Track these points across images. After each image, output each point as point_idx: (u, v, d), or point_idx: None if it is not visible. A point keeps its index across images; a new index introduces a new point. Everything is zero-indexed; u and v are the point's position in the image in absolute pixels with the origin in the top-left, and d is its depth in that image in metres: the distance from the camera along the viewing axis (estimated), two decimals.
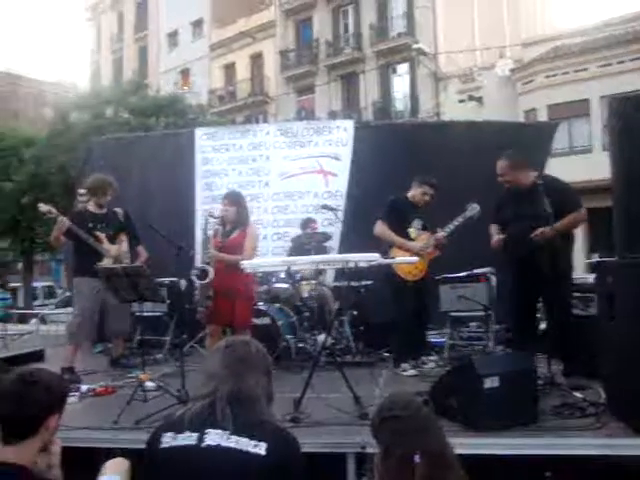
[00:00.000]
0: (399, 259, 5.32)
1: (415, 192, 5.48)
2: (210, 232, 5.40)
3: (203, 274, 4.97)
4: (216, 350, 2.16)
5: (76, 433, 3.69)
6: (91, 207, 5.82)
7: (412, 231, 5.39)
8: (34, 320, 13.07)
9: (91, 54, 37.26)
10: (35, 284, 26.54)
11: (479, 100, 20.83)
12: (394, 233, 5.37)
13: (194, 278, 5.03)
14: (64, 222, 5.43)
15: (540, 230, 4.40)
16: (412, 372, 5.26)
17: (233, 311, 5.14)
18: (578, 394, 4.07)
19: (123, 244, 5.85)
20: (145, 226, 5.18)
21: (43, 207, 5.57)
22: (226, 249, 5.23)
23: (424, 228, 5.45)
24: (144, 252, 5.99)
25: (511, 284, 5.01)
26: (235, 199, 5.42)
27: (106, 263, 5.49)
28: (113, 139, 10.11)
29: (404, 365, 5.31)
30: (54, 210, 5.54)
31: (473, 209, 5.26)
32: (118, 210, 5.94)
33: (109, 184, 5.84)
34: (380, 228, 5.42)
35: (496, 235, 4.88)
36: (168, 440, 1.94)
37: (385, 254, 5.26)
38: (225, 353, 2.09)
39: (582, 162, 16.40)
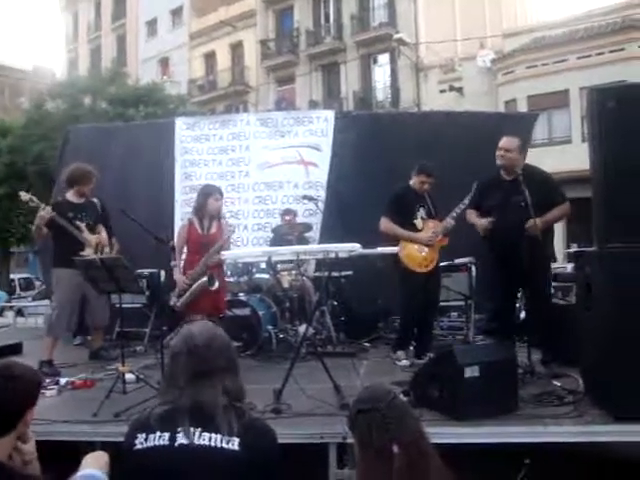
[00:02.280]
0: (380, 249, 5.31)
1: (414, 181, 5.39)
2: (182, 222, 5.44)
3: (211, 280, 5.12)
4: (177, 354, 2.01)
5: (55, 427, 3.67)
6: (70, 197, 5.73)
7: (418, 222, 5.28)
8: (11, 312, 12.94)
9: (68, 42, 36.62)
10: (12, 276, 26.20)
11: (460, 90, 20.90)
12: (400, 226, 5.27)
13: (208, 285, 5.13)
14: (47, 211, 5.35)
15: (532, 221, 4.42)
16: (405, 362, 5.22)
17: (216, 303, 5.31)
18: (557, 382, 4.12)
19: (102, 234, 5.79)
20: (124, 217, 5.11)
21: (24, 196, 5.49)
22: (210, 242, 5.33)
23: (430, 215, 5.35)
24: (117, 243, 5.93)
25: (492, 271, 5.04)
26: (221, 193, 5.59)
27: (87, 253, 5.43)
28: (91, 128, 10.01)
29: (400, 353, 5.28)
30: (35, 199, 5.46)
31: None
32: (95, 200, 5.87)
33: (92, 173, 5.76)
34: (385, 224, 5.32)
35: (483, 219, 4.84)
36: (141, 441, 1.91)
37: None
38: (187, 361, 1.97)
39: (561, 153, 16.54)
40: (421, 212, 5.33)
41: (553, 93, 18.56)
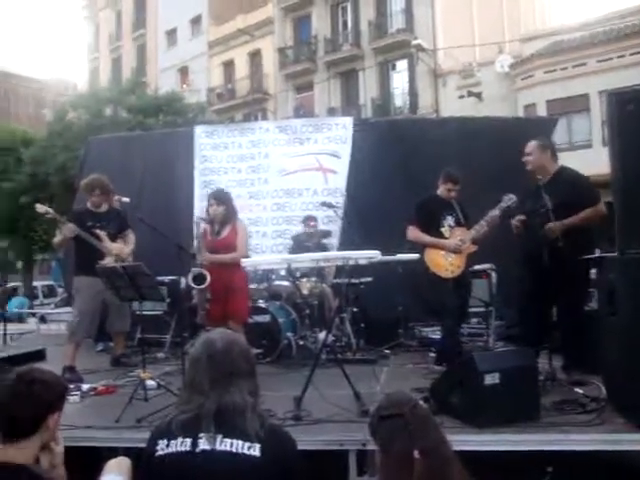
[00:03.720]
0: (399, 256, 5.30)
1: (441, 189, 5.36)
2: (195, 232, 5.39)
3: (200, 279, 4.96)
4: (197, 360, 2.04)
5: (78, 432, 3.70)
6: (90, 206, 5.81)
7: (445, 230, 5.24)
8: (34, 319, 13.09)
9: (89, 53, 37.16)
10: (35, 283, 26.55)
11: (478, 96, 20.79)
12: (426, 234, 5.24)
13: (191, 284, 5.02)
14: (70, 229, 5.43)
15: (550, 224, 4.39)
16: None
17: (231, 308, 5.18)
18: (579, 390, 4.07)
19: (130, 244, 5.85)
20: (144, 225, 5.17)
21: (40, 208, 5.57)
22: (217, 247, 5.25)
23: (458, 223, 5.31)
24: (132, 234, 5.96)
25: (515, 277, 5.01)
26: (222, 198, 5.43)
27: (108, 261, 5.50)
28: (112, 138, 10.13)
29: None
30: (51, 210, 5.55)
31: (510, 199, 5.03)
32: (116, 204, 5.94)
33: (94, 185, 5.77)
34: (412, 233, 5.30)
35: (516, 220, 4.80)
36: (162, 447, 1.93)
37: (421, 257, 5.21)
38: (208, 366, 1.99)
39: (582, 157, 16.33)
40: (448, 220, 5.29)
41: (573, 97, 18.41)
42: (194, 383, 2.01)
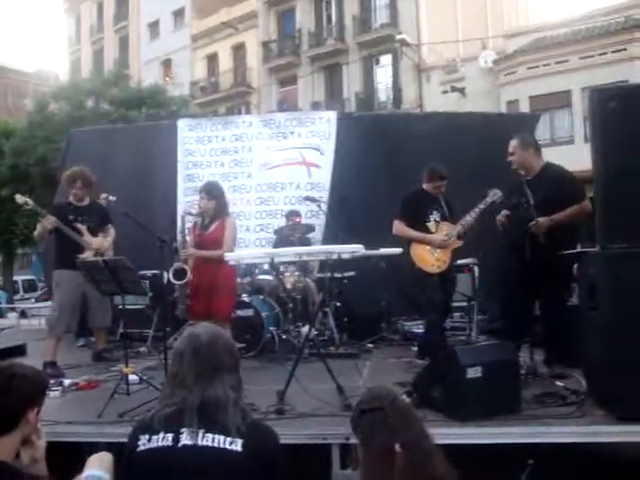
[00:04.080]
0: (383, 250, 5.30)
1: (427, 185, 5.35)
2: (189, 225, 5.33)
3: (180, 274, 4.92)
4: (182, 354, 2.03)
5: (60, 428, 3.67)
6: (72, 199, 5.76)
7: (431, 225, 5.25)
8: (13, 314, 12.97)
9: (70, 44, 36.70)
10: (15, 278, 26.27)
11: (462, 91, 20.87)
12: (412, 229, 5.24)
13: (172, 279, 4.97)
14: (50, 221, 5.37)
15: (535, 220, 4.42)
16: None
17: (212, 305, 5.10)
18: (560, 383, 4.12)
19: (108, 237, 5.81)
20: (126, 218, 5.13)
21: (20, 199, 5.51)
22: (205, 242, 5.18)
23: (444, 218, 5.30)
24: (112, 228, 5.94)
25: (498, 271, 5.04)
26: (213, 192, 5.33)
27: (87, 255, 5.46)
28: (94, 130, 10.04)
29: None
30: (31, 201, 5.50)
31: (495, 194, 5.04)
32: (103, 202, 5.90)
33: (75, 177, 5.73)
34: (398, 227, 5.30)
35: (501, 215, 4.84)
36: (144, 442, 1.93)
37: (406, 252, 5.21)
38: (193, 360, 1.99)
39: (564, 153, 16.44)
40: (434, 215, 5.29)
41: (555, 94, 18.54)
42: (178, 377, 2.00)
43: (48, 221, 5.38)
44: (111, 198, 5.71)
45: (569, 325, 4.49)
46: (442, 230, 5.22)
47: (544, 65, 18.94)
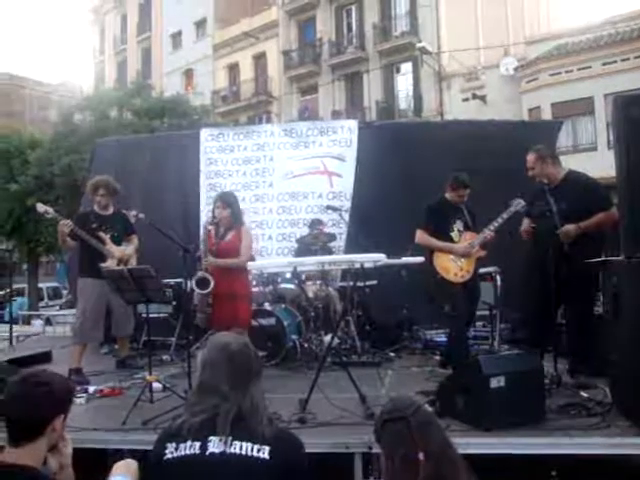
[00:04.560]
0: (405, 259, 5.30)
1: (450, 194, 5.34)
2: (202, 236, 5.33)
3: (204, 283, 4.95)
4: (213, 362, 2.05)
5: (84, 434, 3.72)
6: (96, 208, 5.84)
7: (454, 234, 5.24)
8: (40, 321, 13.15)
9: (95, 56, 37.29)
10: (40, 285, 26.61)
11: (483, 98, 20.79)
12: (436, 239, 5.23)
13: (195, 287, 5.00)
14: (65, 224, 5.45)
15: (563, 229, 4.39)
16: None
17: (234, 313, 5.12)
18: (584, 393, 4.07)
19: (131, 246, 5.88)
20: (151, 227, 5.19)
21: (40, 207, 5.60)
22: (221, 251, 5.18)
23: (467, 227, 5.30)
24: (135, 238, 6.02)
25: (522, 280, 5.01)
26: (229, 200, 5.36)
27: (109, 264, 5.52)
28: (118, 140, 10.14)
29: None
30: (51, 210, 5.59)
31: (518, 204, 5.04)
32: (132, 219, 5.98)
33: (98, 185, 5.82)
34: (420, 237, 5.30)
35: (525, 225, 4.86)
36: (171, 450, 1.94)
37: (429, 261, 5.22)
38: (228, 368, 2.01)
39: (587, 160, 16.32)
40: (457, 224, 5.28)
41: (577, 100, 18.39)
42: (211, 385, 2.02)
43: (63, 224, 5.44)
44: (141, 216, 5.79)
45: (593, 335, 4.45)
46: (465, 240, 5.21)
47: (566, 72, 18.81)
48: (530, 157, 4.89)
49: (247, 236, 5.37)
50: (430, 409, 3.25)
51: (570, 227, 4.43)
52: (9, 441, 2.00)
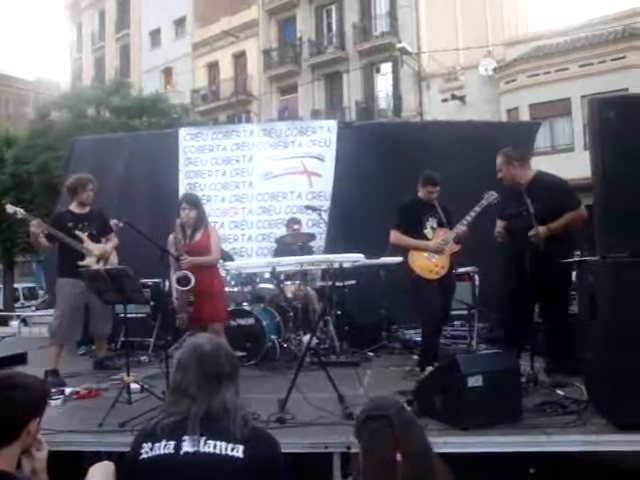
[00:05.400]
0: (383, 259, 5.32)
1: (421, 191, 5.39)
2: (170, 237, 5.29)
3: (185, 281, 4.92)
4: (185, 363, 2.06)
5: (61, 437, 3.68)
6: (73, 207, 5.77)
7: (428, 232, 5.28)
8: (15, 322, 12.97)
9: (72, 52, 36.83)
10: (16, 285, 26.28)
11: (462, 99, 20.95)
12: (410, 237, 5.26)
13: (176, 286, 4.97)
14: (35, 224, 5.36)
15: (535, 229, 4.44)
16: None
17: (213, 310, 5.15)
18: (560, 392, 4.12)
19: (109, 243, 5.82)
20: (128, 227, 5.14)
21: (10, 208, 5.51)
22: (193, 252, 5.13)
23: (440, 224, 5.33)
24: (115, 238, 5.96)
25: (499, 279, 5.06)
26: (195, 201, 5.36)
27: (88, 262, 5.47)
28: (95, 139, 10.04)
29: (429, 369, 4.93)
30: (20, 210, 5.50)
31: (490, 196, 5.09)
32: (113, 226, 5.94)
33: (87, 179, 5.79)
34: (394, 236, 5.33)
35: (499, 227, 4.91)
36: (146, 450, 1.95)
37: (405, 260, 5.24)
38: (197, 369, 2.02)
39: (564, 161, 16.52)
40: (431, 222, 5.32)
41: (555, 101, 18.59)
42: (181, 386, 2.02)
43: (33, 224, 5.36)
44: (120, 225, 5.76)
45: (569, 333, 4.51)
46: (439, 236, 5.25)
47: (544, 73, 19.01)
48: (498, 160, 4.93)
49: (215, 234, 5.43)
50: (408, 408, 3.26)
51: (541, 228, 4.47)
52: None
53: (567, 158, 16.99)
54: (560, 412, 3.74)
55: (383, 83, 23.99)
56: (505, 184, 4.93)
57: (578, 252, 4.91)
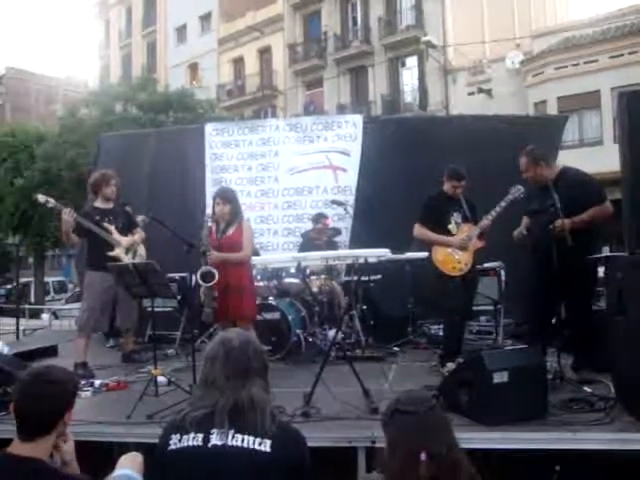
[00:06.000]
0: (409, 254, 5.30)
1: (446, 186, 5.33)
2: (204, 231, 5.33)
3: (209, 276, 4.96)
4: (214, 357, 2.08)
5: (90, 427, 3.76)
6: (98, 203, 5.85)
7: (452, 227, 5.23)
8: (46, 315, 13.23)
9: (100, 50, 37.31)
10: (46, 279, 26.76)
11: (488, 92, 20.72)
12: (434, 232, 5.22)
13: (199, 281, 5.02)
14: (68, 212, 5.41)
15: (558, 222, 4.38)
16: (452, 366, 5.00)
17: (241, 307, 5.13)
18: (587, 388, 4.07)
19: (137, 235, 5.90)
20: (156, 222, 5.21)
21: (41, 197, 5.60)
22: (224, 247, 5.14)
23: (465, 219, 5.28)
24: (141, 231, 6.05)
25: (526, 275, 5.01)
26: (228, 196, 5.33)
27: (117, 252, 5.56)
28: (122, 135, 10.18)
29: (450, 365, 4.94)
30: (52, 200, 5.57)
31: (517, 191, 5.01)
32: (140, 223, 6.02)
33: (110, 175, 5.87)
34: (418, 230, 5.29)
35: (517, 230, 4.85)
36: (175, 442, 1.97)
37: (429, 255, 5.22)
38: (225, 363, 2.04)
39: (593, 154, 16.27)
40: (455, 217, 5.26)
41: (584, 94, 18.26)
42: (210, 380, 2.05)
43: (65, 212, 5.42)
44: (147, 220, 5.86)
45: (597, 329, 4.45)
46: (463, 232, 5.20)
47: (573, 65, 18.69)
48: (522, 160, 4.82)
49: (248, 230, 5.37)
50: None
51: (563, 222, 4.40)
52: (19, 435, 2.03)
53: (596, 151, 16.73)
54: (587, 409, 3.70)
55: (409, 77, 23.85)
56: (531, 183, 4.86)
57: (607, 248, 4.85)
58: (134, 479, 2.10)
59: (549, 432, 3.40)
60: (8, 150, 21.96)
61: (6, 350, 5.32)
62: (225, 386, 2.00)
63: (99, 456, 3.11)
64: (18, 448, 2.02)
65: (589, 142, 18.26)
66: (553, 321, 4.86)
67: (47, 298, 24.78)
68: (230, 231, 5.24)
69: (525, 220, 4.91)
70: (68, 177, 18.77)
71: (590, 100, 18.30)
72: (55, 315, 11.90)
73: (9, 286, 21.26)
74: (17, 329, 8.49)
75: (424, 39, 21.14)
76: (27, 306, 16.87)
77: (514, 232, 4.86)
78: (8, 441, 2.08)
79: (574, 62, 18.68)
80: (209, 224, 5.25)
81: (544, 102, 19.01)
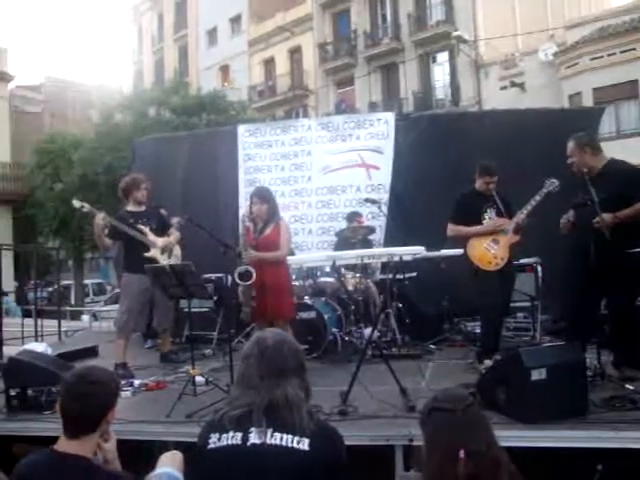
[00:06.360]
0: (444, 251, 5.26)
1: (478, 182, 5.28)
2: (241, 230, 5.37)
3: (246, 275, 5.00)
4: (249, 356, 2.10)
5: (131, 427, 3.83)
6: (130, 207, 5.95)
7: (486, 223, 5.20)
8: (86, 316, 13.50)
9: (133, 56, 37.91)
10: (85, 281, 27.32)
11: (521, 86, 20.41)
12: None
13: (237, 281, 5.05)
14: (101, 217, 5.49)
15: (600, 217, 4.30)
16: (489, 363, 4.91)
17: (279, 306, 5.16)
18: (630, 386, 3.99)
19: (172, 236, 5.98)
20: (192, 224, 5.27)
21: (76, 202, 5.72)
22: (261, 246, 5.19)
23: (499, 215, 5.21)
24: (176, 232, 6.14)
25: (564, 270, 4.93)
26: (265, 196, 5.37)
27: (153, 253, 5.65)
28: (155, 138, 10.31)
29: (487, 362, 4.86)
30: (87, 205, 5.68)
31: (551, 184, 4.96)
32: (175, 225, 6.12)
33: (140, 179, 5.97)
34: (451, 229, 5.27)
35: (565, 217, 4.74)
36: (214, 441, 1.99)
37: (464, 251, 5.18)
38: (259, 362, 2.05)
39: (630, 146, 15.89)
40: (489, 213, 5.21)
41: (620, 84, 17.87)
42: (245, 379, 2.07)
43: (99, 217, 5.50)
44: (182, 222, 5.98)
45: (638, 326, 4.36)
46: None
47: (608, 55, 18.28)
48: (570, 145, 4.76)
49: (286, 230, 5.39)
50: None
51: (606, 216, 4.31)
52: (65, 434, 2.11)
53: (634, 143, 16.36)
54: (630, 407, 3.63)
55: (440, 73, 23.67)
56: (574, 170, 4.77)
57: None
58: (175, 477, 2.14)
59: (590, 430, 3.35)
60: (48, 157, 22.52)
61: (49, 351, 5.45)
62: (260, 385, 2.01)
63: (140, 454, 3.18)
64: (64, 445, 2.09)
65: (627, 134, 17.86)
66: (592, 317, 4.75)
67: (86, 300, 25.29)
68: (268, 230, 5.28)
69: (571, 213, 4.81)
70: (105, 181, 19.12)
71: (627, 90, 17.91)
72: (95, 317, 12.12)
73: (50, 289, 21.74)
74: (59, 330, 8.69)
75: (455, 34, 20.95)
76: (68, 308, 17.23)
77: (561, 219, 4.76)
78: (55, 439, 2.15)
79: (610, 52, 18.27)
80: (246, 223, 5.30)
81: (579, 94, 18.64)
